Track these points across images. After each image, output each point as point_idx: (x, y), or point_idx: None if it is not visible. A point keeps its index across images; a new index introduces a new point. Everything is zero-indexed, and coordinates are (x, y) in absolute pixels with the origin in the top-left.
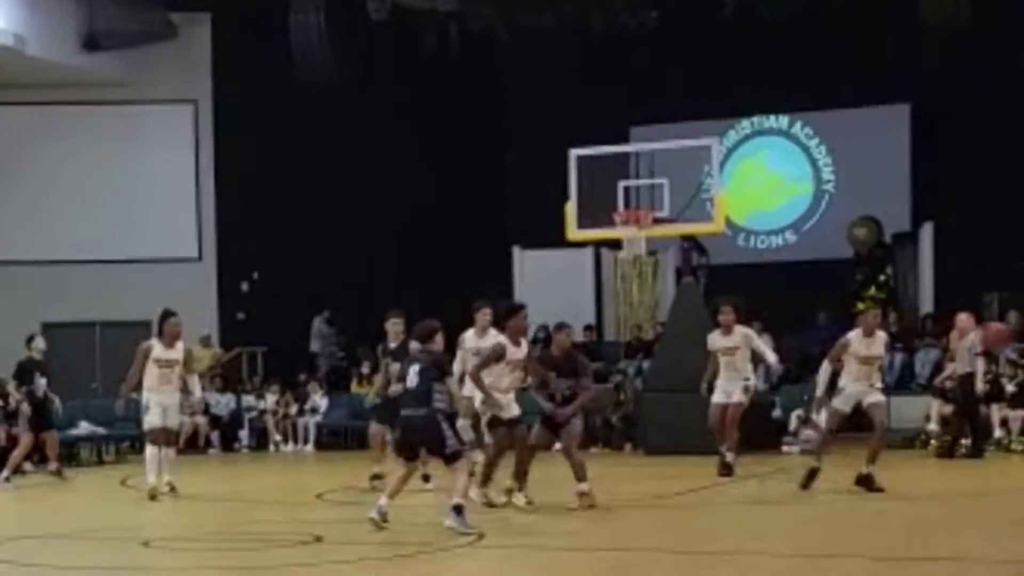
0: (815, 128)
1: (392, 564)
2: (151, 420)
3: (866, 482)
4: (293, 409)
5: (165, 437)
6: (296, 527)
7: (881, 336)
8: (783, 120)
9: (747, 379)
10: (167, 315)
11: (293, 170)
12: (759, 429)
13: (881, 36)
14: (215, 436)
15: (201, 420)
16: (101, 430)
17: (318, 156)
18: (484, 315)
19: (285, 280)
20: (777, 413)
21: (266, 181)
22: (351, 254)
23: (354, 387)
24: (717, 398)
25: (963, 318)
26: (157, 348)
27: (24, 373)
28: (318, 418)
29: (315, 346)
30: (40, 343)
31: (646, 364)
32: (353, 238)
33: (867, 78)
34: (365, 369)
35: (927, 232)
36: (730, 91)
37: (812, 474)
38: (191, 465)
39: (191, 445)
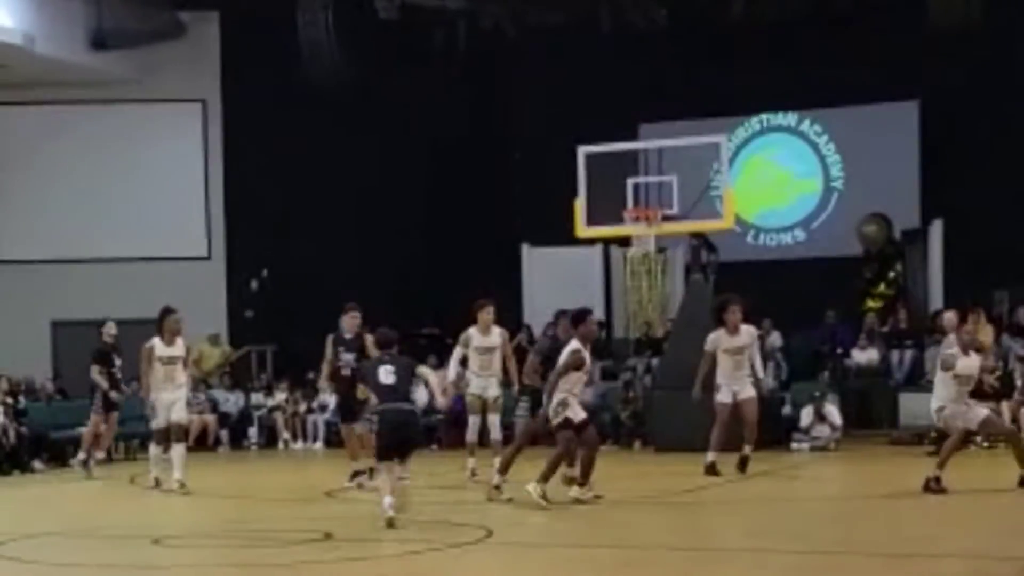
0: (824, 125)
1: (402, 560)
2: (157, 423)
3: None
4: (302, 407)
5: (176, 434)
6: (305, 524)
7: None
8: (792, 117)
9: (751, 376)
10: (167, 312)
11: (302, 168)
12: (768, 426)
13: (890, 33)
14: (224, 434)
15: (210, 418)
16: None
17: (327, 154)
18: (487, 313)
19: (294, 278)
20: (787, 410)
21: (275, 179)
22: (360, 252)
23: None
24: (723, 398)
25: (948, 316)
26: (159, 346)
27: (103, 357)
28: (327, 416)
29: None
30: (111, 328)
31: (655, 361)
32: (362, 235)
33: (876, 75)
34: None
35: (937, 229)
36: (739, 88)
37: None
38: (200, 463)
39: (200, 443)
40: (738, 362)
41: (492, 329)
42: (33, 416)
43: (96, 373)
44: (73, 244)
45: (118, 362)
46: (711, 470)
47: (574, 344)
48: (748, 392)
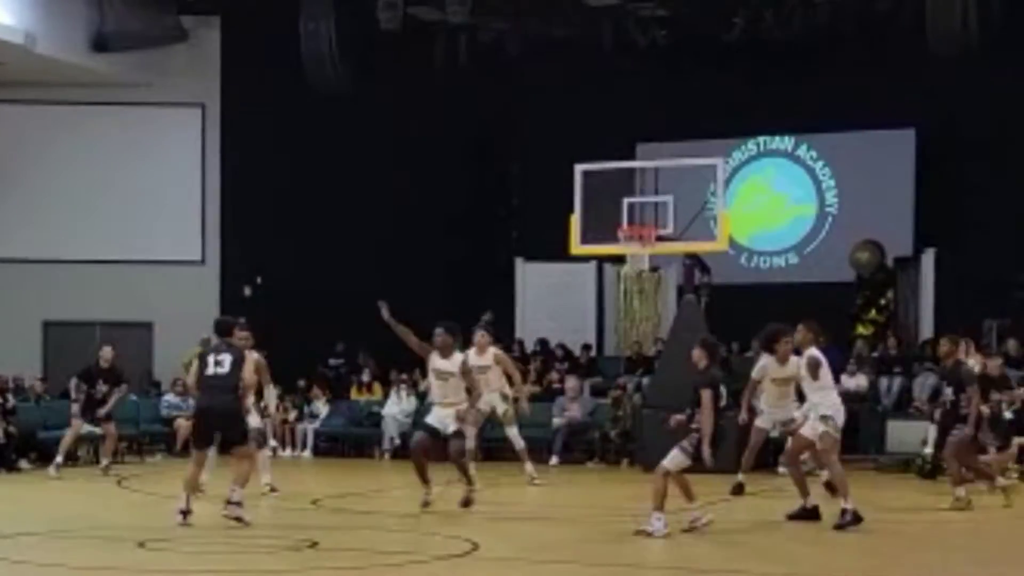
0: (820, 150)
1: (388, 572)
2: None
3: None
4: (292, 415)
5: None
6: (292, 532)
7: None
8: (788, 141)
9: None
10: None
11: (299, 176)
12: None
13: (888, 60)
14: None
15: None
16: (99, 430)
17: (324, 162)
18: (484, 337)
19: (288, 286)
20: (775, 434)
21: (272, 186)
22: (355, 261)
23: (354, 394)
24: (763, 423)
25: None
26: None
27: (87, 376)
28: (316, 424)
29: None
30: (107, 352)
31: (646, 380)
32: (357, 245)
33: (873, 102)
34: (365, 377)
35: (929, 258)
36: (736, 111)
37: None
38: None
39: (189, 448)
40: (784, 392)
41: (488, 350)
42: (21, 415)
43: (73, 388)
44: (67, 245)
45: (103, 387)
46: (738, 490)
47: (493, 354)
48: (791, 417)
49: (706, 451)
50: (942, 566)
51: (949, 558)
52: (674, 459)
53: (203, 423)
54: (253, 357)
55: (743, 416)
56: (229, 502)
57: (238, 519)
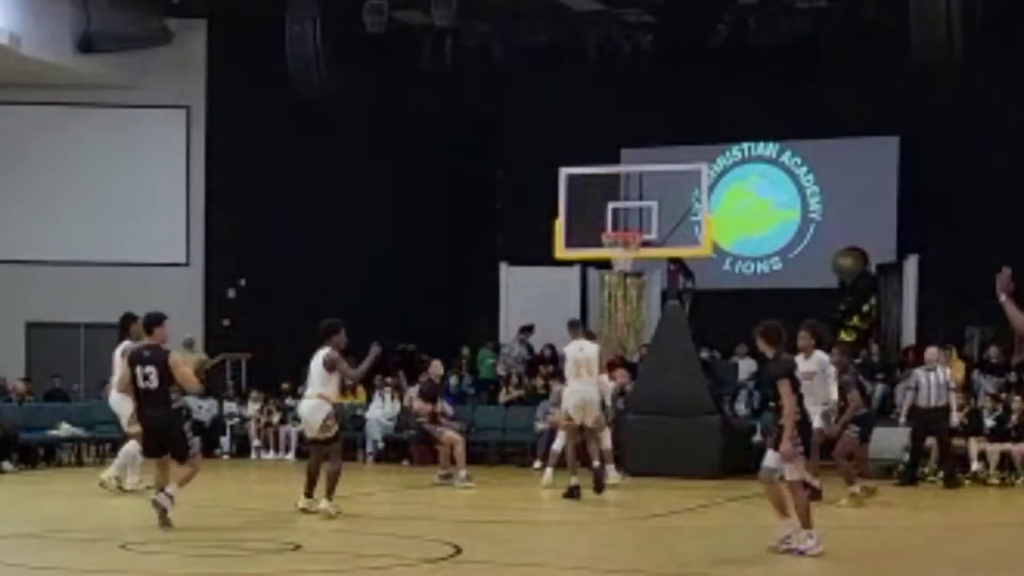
0: (804, 156)
1: (370, 575)
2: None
3: None
4: (275, 417)
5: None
6: (275, 535)
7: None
8: (772, 147)
9: (826, 404)
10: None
11: (284, 179)
12: (739, 454)
13: (872, 68)
14: (196, 442)
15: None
16: (81, 432)
17: (309, 165)
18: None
19: (271, 288)
20: (757, 438)
21: (256, 189)
22: (339, 264)
23: (336, 397)
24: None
25: (932, 352)
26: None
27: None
28: (300, 427)
29: None
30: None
31: (629, 385)
32: (341, 248)
33: (857, 109)
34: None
35: (912, 264)
36: (721, 117)
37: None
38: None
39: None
40: (808, 387)
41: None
42: (4, 416)
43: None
44: (51, 246)
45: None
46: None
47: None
48: (816, 423)
49: (786, 445)
50: (922, 573)
51: (930, 566)
52: (789, 468)
53: (147, 435)
54: (175, 358)
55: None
56: (162, 490)
57: (163, 512)
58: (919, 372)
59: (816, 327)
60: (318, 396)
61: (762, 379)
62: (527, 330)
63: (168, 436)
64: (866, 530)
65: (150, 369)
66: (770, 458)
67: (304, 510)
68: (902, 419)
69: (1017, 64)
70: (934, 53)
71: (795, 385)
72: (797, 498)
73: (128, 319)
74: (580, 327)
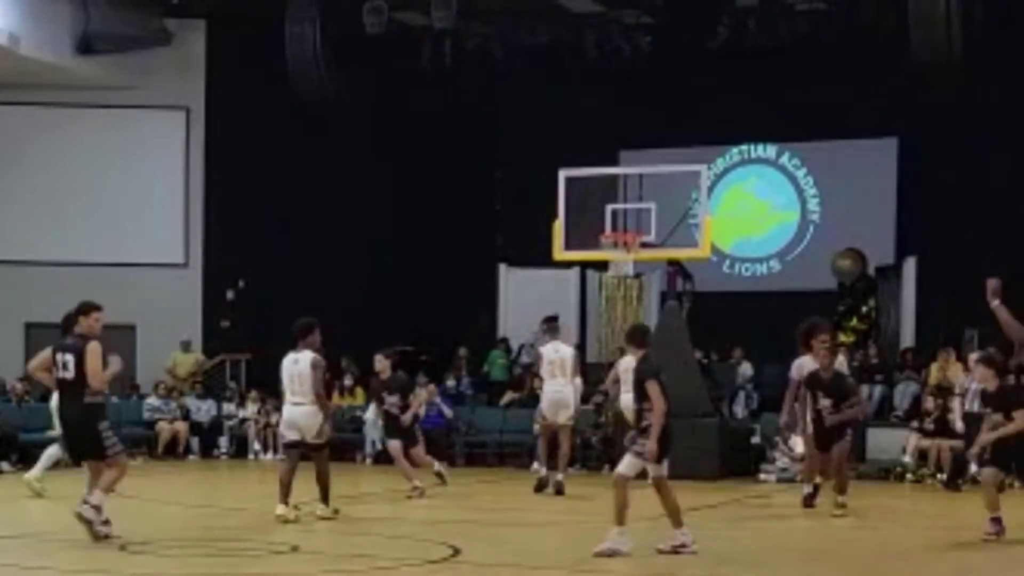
0: (802, 158)
1: None
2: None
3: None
4: (274, 418)
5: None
6: (273, 536)
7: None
8: (771, 149)
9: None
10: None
11: (283, 180)
12: (737, 457)
13: (871, 69)
14: (195, 442)
15: (181, 426)
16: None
17: (308, 166)
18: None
19: (270, 290)
20: (756, 440)
21: (256, 190)
22: (338, 265)
23: (336, 399)
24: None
25: (974, 357)
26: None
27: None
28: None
29: None
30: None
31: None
32: (341, 249)
33: (856, 111)
34: (347, 381)
35: (910, 266)
36: (720, 119)
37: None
38: (170, 471)
39: (170, 451)
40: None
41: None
42: (2, 417)
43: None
44: (50, 246)
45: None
46: (808, 501)
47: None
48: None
49: (652, 445)
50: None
51: (929, 564)
52: (654, 466)
53: (63, 436)
54: (94, 347)
55: (784, 419)
56: (85, 501)
57: (89, 525)
58: (964, 377)
59: (831, 330)
60: (311, 401)
61: (761, 381)
62: (551, 321)
63: (79, 435)
64: (865, 531)
65: (68, 357)
66: (626, 464)
67: (282, 518)
68: (959, 424)
69: (1016, 65)
70: (933, 54)
71: (663, 385)
72: (666, 496)
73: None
74: (557, 329)
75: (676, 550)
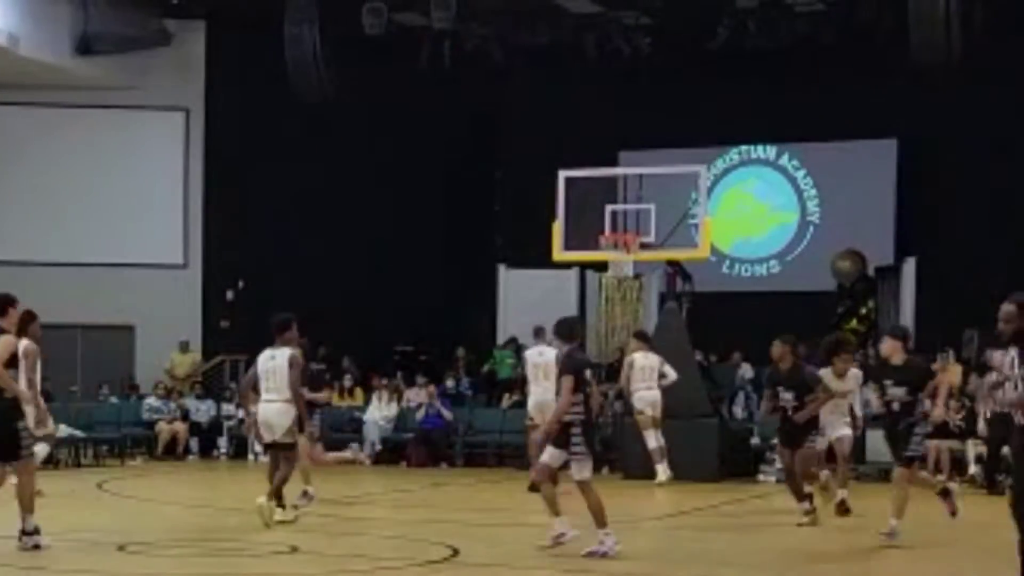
0: (802, 159)
1: None
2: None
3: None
4: None
5: None
6: (272, 537)
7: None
8: (771, 150)
9: (847, 419)
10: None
11: (282, 180)
12: (736, 458)
13: (870, 70)
14: (194, 443)
15: (180, 427)
16: (79, 433)
17: (307, 167)
18: None
19: (270, 289)
20: (755, 441)
21: (254, 191)
22: (337, 266)
23: (335, 399)
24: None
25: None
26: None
27: None
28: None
29: None
30: None
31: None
32: (340, 250)
33: (855, 112)
34: (347, 382)
35: (910, 267)
36: (719, 120)
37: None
38: (169, 471)
39: (170, 451)
40: (838, 404)
41: None
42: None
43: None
44: (49, 247)
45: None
46: (841, 507)
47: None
48: (842, 430)
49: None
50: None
51: (925, 564)
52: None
53: None
54: (21, 344)
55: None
56: (24, 533)
57: (36, 547)
58: (972, 378)
59: (853, 349)
60: (284, 399)
61: (760, 382)
62: (564, 323)
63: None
64: (863, 532)
65: None
66: (549, 454)
67: (279, 520)
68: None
69: (1016, 66)
70: (933, 55)
71: (579, 383)
72: (588, 497)
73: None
74: (542, 332)
75: (589, 553)
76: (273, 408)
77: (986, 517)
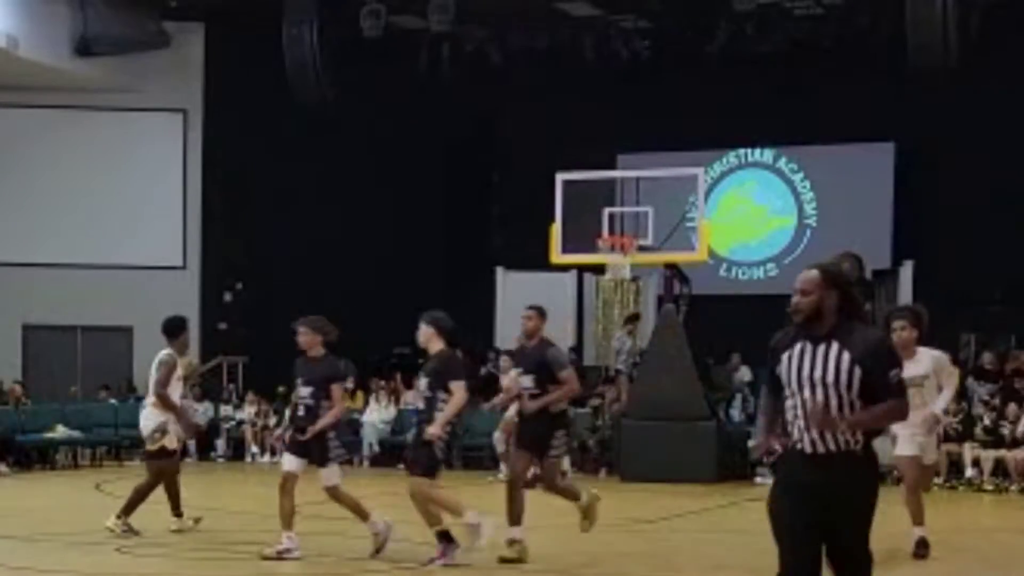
0: (799, 163)
1: None
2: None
3: None
4: (271, 421)
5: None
6: (269, 538)
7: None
8: (768, 154)
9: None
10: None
11: (281, 182)
12: (734, 460)
13: (868, 74)
14: (192, 444)
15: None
16: (78, 434)
17: (306, 169)
18: None
19: (268, 291)
20: (752, 443)
21: (253, 193)
22: (335, 267)
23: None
24: (904, 450)
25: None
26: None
27: None
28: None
29: None
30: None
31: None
32: (338, 252)
33: (853, 115)
34: (348, 384)
35: (907, 271)
36: (717, 123)
37: None
38: None
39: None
40: (915, 394)
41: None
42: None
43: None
44: (48, 248)
45: None
46: (922, 546)
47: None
48: (932, 455)
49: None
50: None
51: (922, 569)
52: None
53: None
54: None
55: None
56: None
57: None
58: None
59: (921, 313)
60: (152, 404)
61: (758, 385)
62: (634, 319)
63: None
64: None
65: None
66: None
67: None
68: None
69: (1014, 70)
70: (930, 59)
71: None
72: (344, 500)
73: None
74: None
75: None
76: (142, 412)
77: (990, 521)
